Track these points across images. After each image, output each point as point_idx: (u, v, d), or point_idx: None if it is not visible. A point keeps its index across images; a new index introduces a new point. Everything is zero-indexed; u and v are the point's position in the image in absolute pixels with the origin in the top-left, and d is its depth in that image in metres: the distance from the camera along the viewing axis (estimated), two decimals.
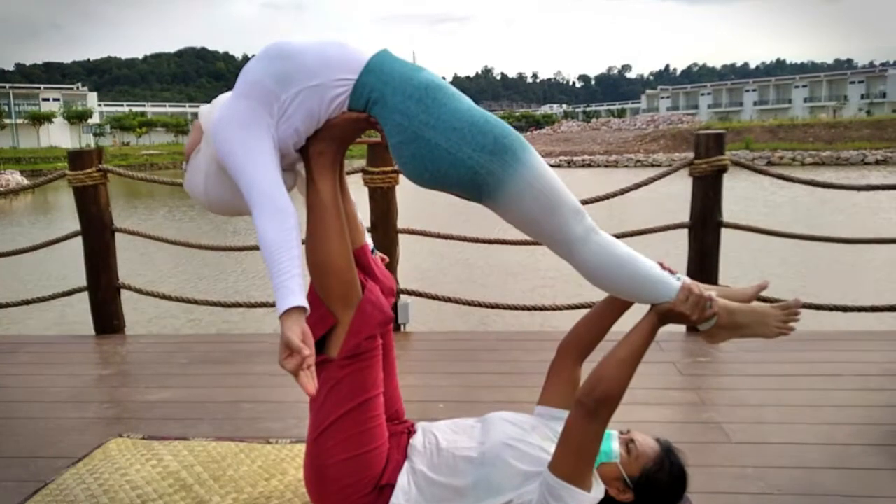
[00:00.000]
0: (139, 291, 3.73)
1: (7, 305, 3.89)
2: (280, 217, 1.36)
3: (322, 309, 1.57)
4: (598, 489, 1.53)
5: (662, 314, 1.50)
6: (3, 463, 2.16)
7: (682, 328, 3.28)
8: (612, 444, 1.63)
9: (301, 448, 2.13)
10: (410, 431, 1.74)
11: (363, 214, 1.89)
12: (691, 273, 3.50)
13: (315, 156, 1.52)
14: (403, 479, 1.58)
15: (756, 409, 2.44)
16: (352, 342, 1.55)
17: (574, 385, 1.70)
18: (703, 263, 3.45)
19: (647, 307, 1.55)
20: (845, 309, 3.43)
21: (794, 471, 1.99)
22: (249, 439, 2.26)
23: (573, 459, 1.47)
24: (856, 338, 3.28)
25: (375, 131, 1.51)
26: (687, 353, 3.07)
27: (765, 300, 3.41)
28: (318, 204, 1.53)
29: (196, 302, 3.74)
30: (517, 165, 1.39)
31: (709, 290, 1.54)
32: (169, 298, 3.70)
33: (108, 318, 3.66)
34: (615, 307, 1.67)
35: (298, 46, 1.45)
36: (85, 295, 3.71)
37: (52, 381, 2.97)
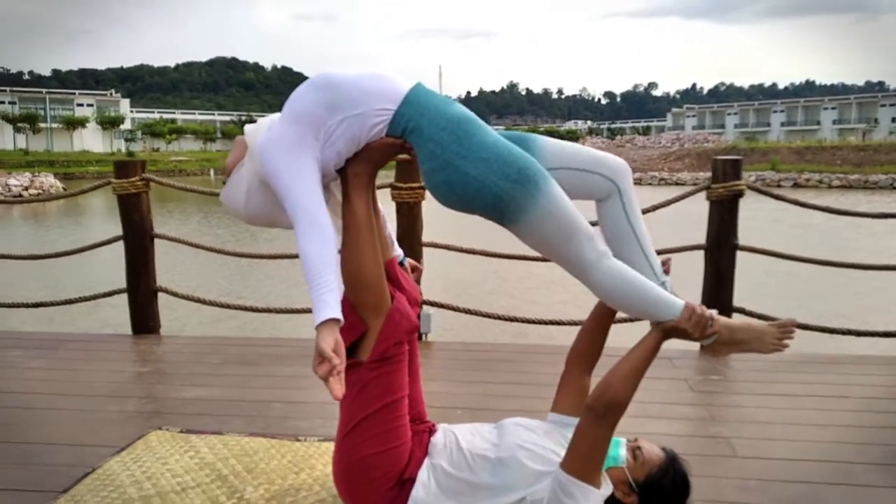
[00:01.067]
0: (175, 294, 3.92)
1: (51, 304, 4.11)
2: (322, 235, 1.52)
3: (353, 317, 1.72)
4: (607, 487, 1.65)
5: (666, 331, 1.63)
6: (53, 449, 2.33)
7: (695, 346, 3.37)
8: (619, 451, 1.75)
9: (327, 446, 2.28)
10: (432, 431, 1.88)
11: (391, 226, 2.05)
12: (707, 293, 3.60)
13: (352, 176, 1.68)
14: (424, 474, 1.71)
15: (763, 426, 2.53)
16: (381, 347, 1.70)
17: (583, 394, 1.83)
18: (718, 284, 3.55)
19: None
20: (858, 333, 3.50)
21: (797, 485, 2.08)
22: (280, 436, 2.40)
23: (583, 460, 1.59)
24: (864, 361, 3.34)
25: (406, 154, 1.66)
26: (699, 370, 3.17)
27: (765, 319, 3.52)
28: (353, 221, 1.68)
29: (228, 306, 3.92)
30: (538, 195, 1.54)
31: (712, 312, 1.67)
32: (203, 302, 3.89)
33: (145, 320, 3.85)
34: (604, 314, 1.82)
35: (343, 78, 1.61)
36: (123, 297, 3.91)
37: (93, 376, 3.15)
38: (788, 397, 2.83)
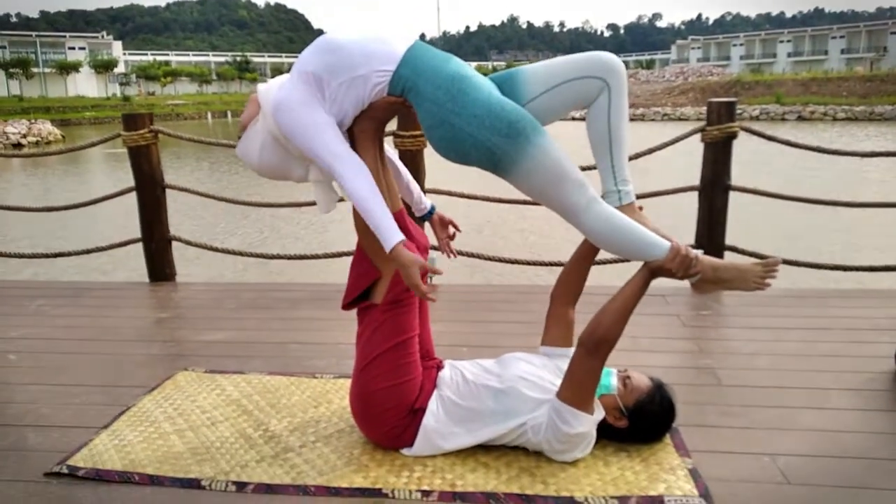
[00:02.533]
0: (188, 243, 4.07)
1: (69, 254, 4.27)
2: (362, 171, 1.69)
3: (367, 262, 1.87)
4: (599, 413, 1.84)
5: (652, 270, 1.77)
6: (88, 390, 2.53)
7: (687, 284, 3.53)
8: (611, 380, 1.93)
9: (343, 382, 2.47)
10: (440, 367, 2.06)
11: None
12: (700, 233, 3.74)
13: (359, 133, 1.80)
14: (433, 404, 1.90)
15: (748, 358, 2.71)
16: (393, 291, 1.86)
17: (568, 326, 2.01)
18: (712, 224, 3.68)
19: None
20: (844, 268, 3.65)
21: (775, 410, 2.26)
22: (298, 374, 2.59)
23: (577, 389, 1.77)
24: (850, 295, 3.51)
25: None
26: (691, 306, 3.34)
27: (757, 257, 3.66)
28: None
29: (241, 253, 4.07)
30: (528, 147, 1.66)
31: (698, 252, 1.81)
32: (215, 250, 4.03)
33: (161, 268, 4.01)
34: (587, 252, 1.97)
35: (346, 41, 1.71)
36: (138, 246, 4.06)
37: (117, 322, 3.33)
38: (774, 330, 3.00)
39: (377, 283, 1.87)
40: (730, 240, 3.73)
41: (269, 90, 1.78)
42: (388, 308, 1.86)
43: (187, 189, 4.01)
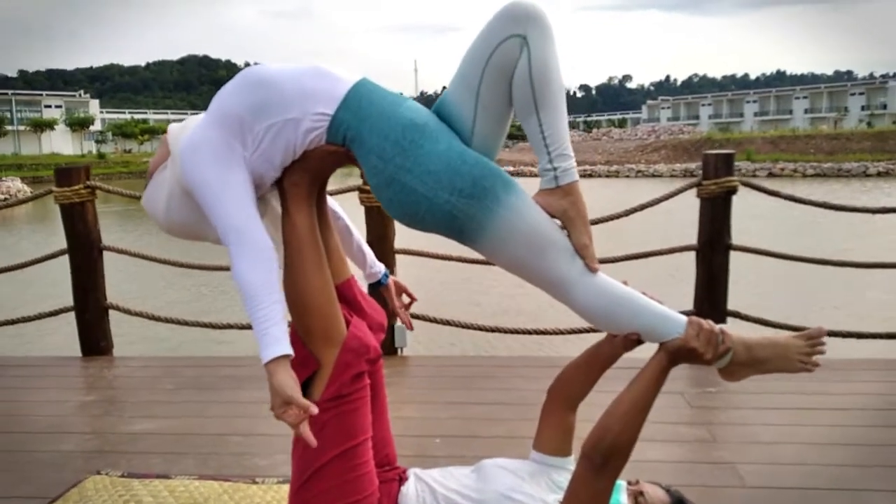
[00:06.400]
0: (127, 312, 3.62)
1: None
2: (261, 257, 1.29)
3: (304, 351, 1.46)
4: None
5: (672, 353, 1.38)
6: None
7: None
8: (620, 497, 1.52)
9: (288, 489, 2.01)
10: (402, 478, 1.63)
11: (360, 233, 1.80)
12: (699, 298, 3.39)
13: (290, 187, 1.43)
14: None
15: (769, 449, 2.32)
16: (335, 384, 1.45)
17: (568, 432, 1.59)
18: (712, 287, 3.33)
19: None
20: (860, 336, 3.31)
21: None
22: (235, 478, 2.13)
23: None
24: (872, 367, 3.15)
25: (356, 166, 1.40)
26: (694, 382, 2.95)
27: (763, 324, 3.30)
28: (294, 237, 1.43)
29: (187, 323, 3.62)
30: (497, 208, 1.30)
31: (722, 326, 1.43)
32: (158, 319, 3.58)
33: (95, 340, 3.54)
34: (603, 356, 1.53)
35: (276, 75, 1.36)
36: (72, 315, 3.59)
37: (32, 408, 2.85)
38: (793, 411, 2.62)
39: (316, 374, 1.46)
40: (732, 304, 3.38)
41: (182, 130, 1.41)
42: (329, 405, 1.44)
43: (126, 251, 3.58)
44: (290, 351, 1.29)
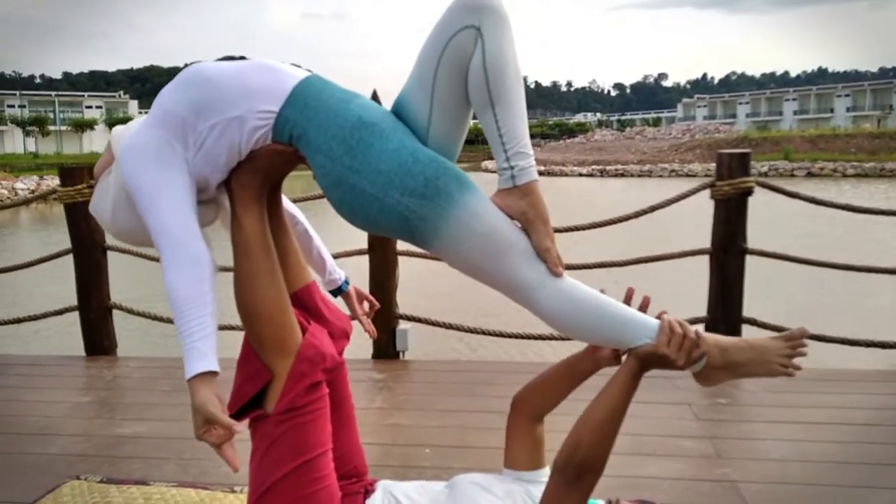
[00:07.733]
0: (130, 311, 3.61)
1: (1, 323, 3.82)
2: (193, 266, 1.22)
3: (257, 361, 1.39)
4: None
5: (642, 359, 1.28)
6: None
7: None
8: None
9: None
10: (368, 491, 1.54)
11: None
12: (712, 304, 3.23)
13: (238, 189, 1.35)
14: None
15: (778, 466, 2.17)
16: (289, 395, 1.37)
17: (537, 443, 1.48)
18: (726, 293, 3.18)
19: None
20: (883, 346, 3.12)
21: None
22: (213, 486, 2.08)
23: None
24: (892, 378, 2.96)
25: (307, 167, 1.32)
26: (705, 393, 2.80)
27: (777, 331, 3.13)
28: (242, 242, 1.36)
29: None
30: (451, 209, 1.21)
31: (697, 329, 1.32)
32: (161, 320, 3.57)
33: (98, 339, 3.54)
34: (582, 370, 1.43)
35: (218, 72, 1.29)
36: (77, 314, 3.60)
37: (29, 408, 2.84)
38: (806, 425, 2.47)
39: (269, 385, 1.38)
40: (747, 311, 3.22)
41: (123, 133, 1.35)
42: (283, 418, 1.37)
43: (130, 251, 3.57)
44: (215, 367, 1.23)
